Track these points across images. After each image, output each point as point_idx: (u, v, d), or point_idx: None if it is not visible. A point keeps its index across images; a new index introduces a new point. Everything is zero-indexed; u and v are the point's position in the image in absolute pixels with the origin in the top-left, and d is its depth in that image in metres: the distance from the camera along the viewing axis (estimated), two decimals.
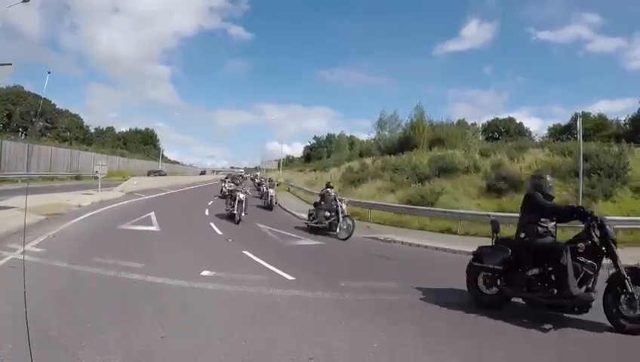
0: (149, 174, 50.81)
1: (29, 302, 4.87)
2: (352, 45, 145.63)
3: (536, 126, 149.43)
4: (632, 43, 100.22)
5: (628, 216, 13.64)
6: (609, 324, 5.30)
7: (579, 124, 16.03)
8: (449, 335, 5.20)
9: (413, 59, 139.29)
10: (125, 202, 20.13)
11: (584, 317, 5.44)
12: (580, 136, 15.65)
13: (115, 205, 18.29)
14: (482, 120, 63.17)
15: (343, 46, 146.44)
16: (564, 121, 50.16)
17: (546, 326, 5.37)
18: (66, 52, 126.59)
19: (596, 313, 5.37)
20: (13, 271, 6.45)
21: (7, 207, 12.49)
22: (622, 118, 44.55)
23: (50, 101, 65.58)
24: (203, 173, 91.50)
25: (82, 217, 13.55)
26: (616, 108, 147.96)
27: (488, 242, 7.04)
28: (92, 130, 77.51)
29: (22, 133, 54.25)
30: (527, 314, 5.88)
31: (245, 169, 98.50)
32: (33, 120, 56.89)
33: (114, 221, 13.25)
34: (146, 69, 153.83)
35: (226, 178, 30.03)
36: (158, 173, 55.23)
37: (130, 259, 8.06)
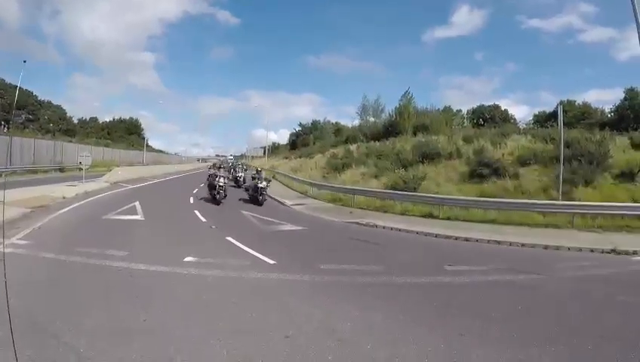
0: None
1: (19, 292, 5.07)
2: (340, 31, 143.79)
3: (525, 113, 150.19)
4: (624, 33, 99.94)
5: (608, 201, 13.92)
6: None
7: (559, 111, 16.34)
8: (422, 312, 5.47)
9: (402, 46, 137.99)
10: (110, 192, 20.08)
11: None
12: (560, 123, 15.94)
13: (99, 196, 18.29)
14: (472, 106, 63.23)
15: (330, 32, 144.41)
16: (551, 108, 50.76)
17: None
18: (47, 40, 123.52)
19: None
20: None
21: None
22: (608, 107, 45.22)
23: (32, 92, 64.63)
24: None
25: (67, 209, 13.58)
26: (605, 98, 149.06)
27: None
28: (75, 121, 76.44)
29: (4, 126, 53.35)
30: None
31: (234, 157, 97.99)
32: (15, 113, 55.97)
33: (99, 211, 13.31)
34: (130, 57, 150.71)
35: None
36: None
37: (114, 247, 8.21)
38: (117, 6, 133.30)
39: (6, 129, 51.05)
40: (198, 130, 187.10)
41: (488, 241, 10.95)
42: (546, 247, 10.37)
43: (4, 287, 2.78)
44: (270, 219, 13.36)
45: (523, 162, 20.08)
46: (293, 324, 4.81)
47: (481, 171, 19.77)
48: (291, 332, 4.53)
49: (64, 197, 15.96)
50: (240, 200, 18.78)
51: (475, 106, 61.03)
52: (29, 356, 3.60)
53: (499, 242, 10.86)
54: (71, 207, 14.12)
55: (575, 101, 49.72)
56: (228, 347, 4.10)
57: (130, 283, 6.18)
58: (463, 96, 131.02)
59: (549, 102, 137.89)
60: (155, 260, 7.38)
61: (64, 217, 12.07)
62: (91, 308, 5.01)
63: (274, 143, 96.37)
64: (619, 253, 9.92)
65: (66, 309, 4.95)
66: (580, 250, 10.19)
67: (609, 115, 41.98)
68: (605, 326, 5.05)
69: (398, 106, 41.74)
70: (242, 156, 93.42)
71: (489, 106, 60.79)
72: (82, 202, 15.67)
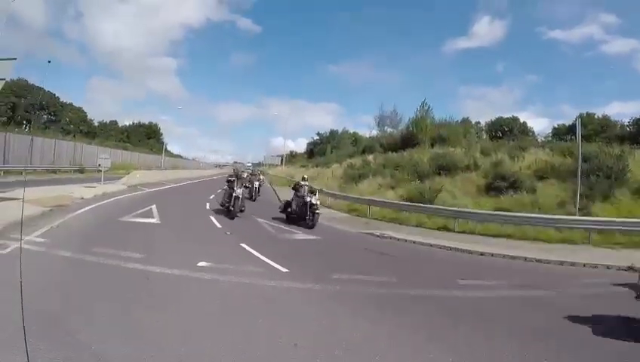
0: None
1: (34, 288, 5.17)
2: (360, 41, 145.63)
3: (544, 126, 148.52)
4: None
5: (626, 217, 13.68)
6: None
7: (577, 125, 16.14)
8: (432, 325, 5.44)
9: (423, 56, 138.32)
10: (128, 195, 20.30)
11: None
12: (578, 137, 15.73)
13: (117, 198, 18.49)
14: (491, 118, 62.84)
15: (350, 42, 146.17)
16: (571, 121, 50.36)
17: None
18: (70, 43, 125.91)
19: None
20: (17, 260, 6.66)
21: (12, 199, 12.72)
22: (627, 121, 44.68)
23: (55, 94, 65.84)
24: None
25: (85, 209, 13.78)
26: (627, 111, 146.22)
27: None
28: (96, 124, 77.58)
29: (26, 125, 54.29)
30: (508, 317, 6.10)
31: (252, 164, 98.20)
32: (37, 112, 56.99)
33: (116, 213, 13.48)
34: (151, 61, 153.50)
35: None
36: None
37: (130, 249, 8.31)
38: (140, 11, 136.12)
39: (28, 129, 51.95)
40: (216, 135, 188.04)
41: (503, 256, 10.83)
42: (561, 263, 10.23)
43: (18, 282, 2.84)
44: (285, 227, 13.37)
45: (540, 176, 19.82)
46: (303, 333, 4.82)
47: (498, 184, 19.54)
48: (300, 340, 4.54)
49: (82, 198, 16.19)
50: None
51: (493, 118, 60.75)
52: (42, 349, 3.67)
53: (514, 257, 10.72)
54: (89, 207, 14.31)
55: (595, 114, 49.56)
56: (237, 351, 4.14)
57: (145, 285, 6.25)
58: (482, 107, 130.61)
59: (569, 115, 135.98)
60: (170, 264, 7.45)
61: (82, 217, 12.24)
62: (105, 308, 5.08)
63: (291, 152, 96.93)
64: (636, 270, 9.72)
65: (81, 307, 5.05)
66: (596, 266, 10.03)
67: (628, 129, 41.45)
68: (618, 350, 4.92)
69: (414, 117, 41.64)
70: (260, 164, 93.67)
71: (507, 118, 60.41)
72: (100, 203, 15.86)
